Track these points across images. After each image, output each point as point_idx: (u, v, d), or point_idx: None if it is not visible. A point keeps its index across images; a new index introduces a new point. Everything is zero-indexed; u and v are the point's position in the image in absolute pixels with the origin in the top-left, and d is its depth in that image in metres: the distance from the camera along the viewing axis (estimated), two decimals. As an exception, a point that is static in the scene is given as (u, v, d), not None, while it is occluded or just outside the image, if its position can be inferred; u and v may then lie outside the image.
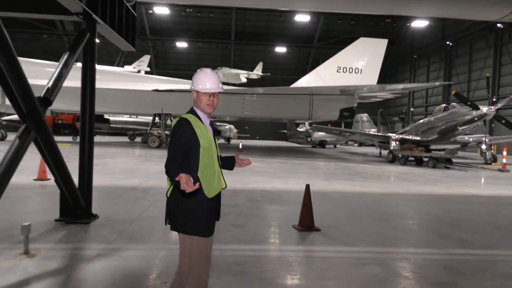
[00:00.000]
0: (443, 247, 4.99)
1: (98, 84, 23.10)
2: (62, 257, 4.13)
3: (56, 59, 33.90)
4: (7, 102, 23.58)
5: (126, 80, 26.17)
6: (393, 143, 20.15)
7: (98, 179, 10.03)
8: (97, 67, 24.89)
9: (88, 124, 5.96)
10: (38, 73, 24.78)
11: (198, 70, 2.80)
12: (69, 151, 20.02)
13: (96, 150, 21.02)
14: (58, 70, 5.10)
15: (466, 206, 8.49)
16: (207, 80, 2.69)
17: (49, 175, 9.81)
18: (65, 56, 5.25)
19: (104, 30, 6.06)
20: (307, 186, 5.84)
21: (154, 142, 26.19)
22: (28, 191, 8.23)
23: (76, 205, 5.62)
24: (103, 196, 7.80)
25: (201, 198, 2.59)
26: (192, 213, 2.58)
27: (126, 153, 20.79)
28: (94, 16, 5.38)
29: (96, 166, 13.25)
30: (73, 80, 25.78)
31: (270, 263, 4.14)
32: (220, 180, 2.74)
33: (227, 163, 2.95)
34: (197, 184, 2.34)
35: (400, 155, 19.23)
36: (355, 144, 44.22)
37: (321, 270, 3.99)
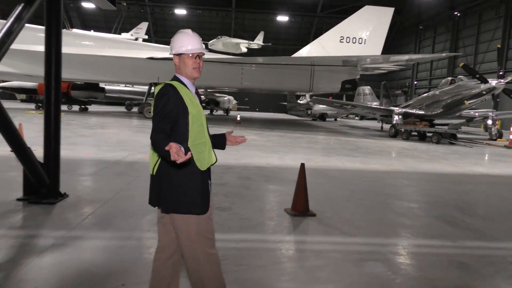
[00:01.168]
0: (456, 238, 4.37)
1: (90, 51, 22.04)
2: (9, 247, 3.51)
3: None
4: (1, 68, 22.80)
5: (120, 47, 25.15)
6: (396, 117, 19.40)
7: (82, 152, 9.42)
8: (88, 33, 23.82)
9: (54, 91, 5.23)
10: (33, 38, 23.89)
11: (176, 33, 2.52)
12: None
13: (89, 120, 20.46)
14: (8, 25, 4.32)
15: (476, 187, 7.87)
16: (190, 41, 2.44)
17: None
18: (19, 8, 4.46)
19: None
20: (302, 166, 5.17)
21: (150, 112, 25.37)
22: (1, 164, 7.59)
23: (38, 182, 4.98)
24: (81, 172, 7.17)
25: (193, 171, 2.35)
26: (186, 187, 2.34)
27: (119, 123, 20.11)
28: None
29: (84, 138, 12.68)
30: (68, 47, 24.83)
31: (254, 259, 3.52)
32: (210, 152, 2.48)
33: (217, 142, 2.71)
34: (189, 153, 2.07)
35: (402, 130, 18.53)
36: (356, 118, 43.41)
37: (314, 269, 3.37)
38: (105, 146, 10.71)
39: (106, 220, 4.40)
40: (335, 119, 38.41)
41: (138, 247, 3.67)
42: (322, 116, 36.28)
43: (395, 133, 19.10)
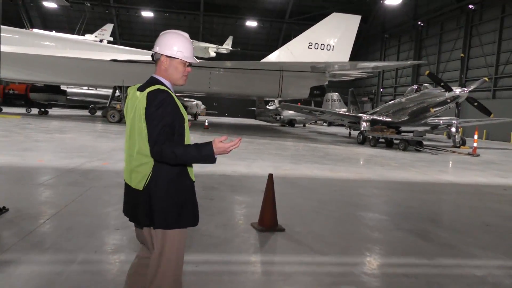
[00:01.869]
0: (432, 256, 4.11)
1: (50, 52, 21.01)
2: None
3: (10, 23, 31.23)
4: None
5: (82, 49, 24.13)
6: (364, 124, 19.49)
7: (33, 159, 8.70)
8: (49, 33, 22.77)
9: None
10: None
11: (171, 31, 2.30)
12: (16, 124, 18.23)
13: (47, 124, 19.40)
14: None
15: (446, 196, 7.77)
16: (188, 47, 2.26)
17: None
18: None
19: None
20: (270, 177, 4.80)
21: (113, 116, 24.49)
22: None
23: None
24: (28, 181, 6.51)
25: (189, 182, 2.24)
26: (184, 200, 2.23)
27: (80, 127, 19.15)
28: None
29: (39, 143, 11.84)
30: (26, 47, 23.61)
31: (215, 285, 3.11)
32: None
33: None
34: (239, 138, 2.18)
35: (370, 137, 18.60)
36: (324, 124, 43.76)
37: (282, 296, 3.00)
38: (61, 153, 9.99)
39: (47, 240, 3.86)
40: (304, 125, 38.50)
41: (83, 272, 3.18)
42: (291, 122, 36.28)
43: (363, 140, 19.16)
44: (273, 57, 26.45)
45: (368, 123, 19.47)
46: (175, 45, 2.22)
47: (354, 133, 22.96)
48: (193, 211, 2.27)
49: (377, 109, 22.36)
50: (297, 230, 4.71)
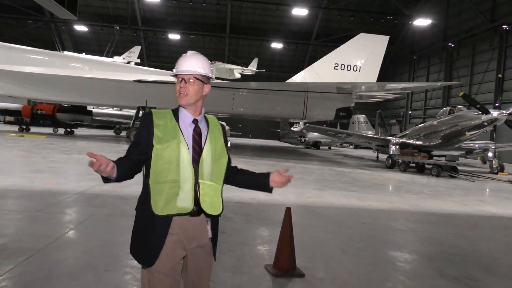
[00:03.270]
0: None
1: (76, 73, 21.14)
2: None
3: (43, 46, 32.09)
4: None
5: (106, 70, 24.31)
6: (393, 147, 18.49)
7: (42, 181, 8.28)
8: (77, 55, 23.02)
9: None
10: (17, 59, 23.09)
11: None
12: (38, 145, 18.19)
13: (69, 144, 19.29)
14: None
15: (493, 232, 6.80)
16: (183, 62, 2.19)
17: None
18: None
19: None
20: (288, 211, 4.09)
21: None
22: None
23: None
24: (25, 207, 6.01)
25: (147, 212, 2.06)
26: (136, 231, 2.13)
27: (101, 148, 18.98)
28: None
29: (54, 164, 11.49)
30: (55, 68, 23.99)
31: None
32: (184, 197, 2.06)
33: (256, 182, 2.36)
34: (109, 165, 2.04)
35: (400, 161, 17.57)
36: (351, 146, 42.62)
37: None
38: (73, 175, 9.58)
39: (26, 281, 3.26)
40: (329, 148, 37.56)
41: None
42: (316, 144, 35.41)
43: (392, 164, 18.14)
44: (298, 78, 25.93)
45: (397, 147, 18.47)
46: (177, 64, 2.20)
47: (382, 156, 21.91)
48: (142, 246, 2.08)
49: (407, 132, 21.31)
50: (319, 276, 3.95)
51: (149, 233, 2.06)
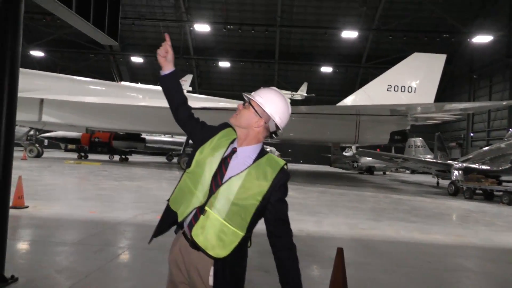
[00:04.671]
0: None
1: (131, 102, 21.91)
2: None
3: (103, 77, 33.91)
4: (44, 118, 23.19)
5: (158, 98, 24.99)
6: (456, 173, 17.04)
7: (87, 209, 8.19)
8: (133, 84, 23.86)
9: (4, 139, 3.96)
10: (78, 90, 24.43)
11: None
12: (92, 171, 18.72)
13: (121, 170, 19.69)
14: None
15: None
16: (258, 92, 2.16)
17: (29, 201, 8.11)
18: None
19: (50, 4, 4.14)
20: (339, 253, 3.48)
21: (186, 163, 24.62)
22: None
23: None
24: (62, 238, 5.80)
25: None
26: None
27: (152, 174, 19.18)
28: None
29: (103, 191, 11.53)
30: (110, 97, 25.08)
31: None
32: (187, 210, 1.99)
33: (281, 278, 2.02)
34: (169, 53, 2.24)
35: (464, 187, 16.10)
36: (407, 171, 40.47)
37: None
38: (118, 203, 9.47)
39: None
40: (384, 173, 35.85)
41: None
42: (370, 170, 33.93)
43: (455, 191, 16.67)
44: (348, 101, 25.14)
45: (461, 172, 17.00)
46: None
47: (443, 182, 20.34)
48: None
49: (470, 156, 19.70)
50: (379, 333, 3.26)
51: (162, 216, 2.15)
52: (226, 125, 2.17)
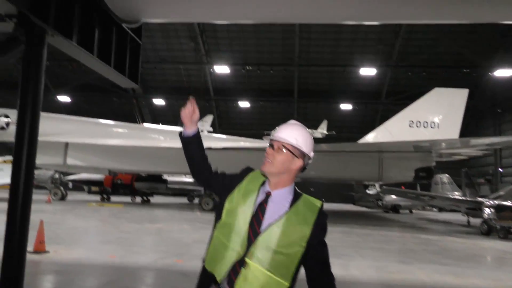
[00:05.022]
0: None
1: (153, 143, 22.34)
2: None
3: (125, 119, 34.74)
4: (68, 161, 23.67)
5: (177, 138, 25.29)
6: (488, 211, 16.27)
7: (106, 253, 8.05)
8: (154, 126, 24.47)
9: (24, 182, 3.88)
10: (102, 132, 25.04)
11: None
12: (114, 214, 18.72)
13: (143, 213, 19.64)
14: None
15: None
16: (279, 129, 2.12)
17: (50, 246, 8.03)
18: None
19: (72, 50, 4.19)
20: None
21: (207, 204, 24.48)
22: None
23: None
24: (81, 285, 5.64)
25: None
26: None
27: (173, 216, 19.06)
28: (37, 21, 3.53)
29: (124, 234, 11.42)
30: (131, 139, 25.53)
31: None
32: (225, 268, 1.83)
33: None
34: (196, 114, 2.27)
35: (498, 226, 15.31)
36: (434, 209, 39.09)
37: None
38: (138, 246, 9.31)
39: None
40: (410, 211, 34.71)
41: None
42: (395, 208, 32.92)
43: (488, 230, 15.86)
44: (370, 138, 24.86)
45: (493, 210, 16.22)
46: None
47: (474, 221, 19.45)
48: None
49: (501, 193, 18.89)
50: None
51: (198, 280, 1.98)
52: (249, 170, 2.11)
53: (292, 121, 2.20)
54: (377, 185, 32.75)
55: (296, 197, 1.98)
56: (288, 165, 1.98)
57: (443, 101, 23.63)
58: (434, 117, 23.75)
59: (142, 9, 5.01)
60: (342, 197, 46.74)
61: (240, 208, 1.92)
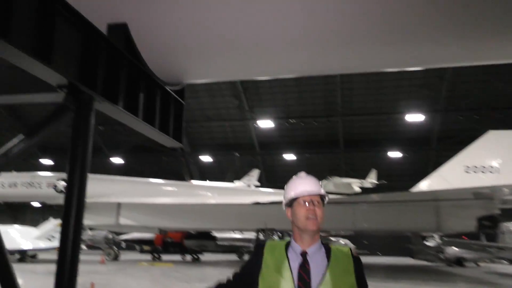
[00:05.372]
0: None
1: (201, 200, 22.71)
2: None
3: (174, 177, 35.67)
4: (121, 221, 24.29)
5: (227, 194, 25.46)
6: None
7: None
8: (201, 183, 24.94)
9: (72, 242, 3.84)
10: (152, 191, 25.75)
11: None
12: (164, 273, 18.62)
13: (194, 272, 19.48)
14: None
15: None
16: (301, 183, 2.11)
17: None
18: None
19: (118, 114, 4.34)
20: None
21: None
22: None
23: None
24: None
25: None
26: None
27: (223, 274, 18.52)
28: (86, 89, 3.70)
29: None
30: (180, 197, 25.97)
31: None
32: None
33: None
34: None
35: None
36: (505, 262, 35.66)
37: None
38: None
39: None
40: (477, 264, 31.87)
41: None
42: (459, 261, 30.37)
43: None
44: (423, 186, 23.71)
45: None
46: (287, 190, 2.14)
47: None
48: None
49: None
50: None
51: None
52: (261, 245, 2.12)
53: (303, 173, 2.20)
54: (436, 237, 30.67)
55: (326, 248, 1.99)
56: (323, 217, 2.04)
57: (500, 144, 22.40)
58: (492, 161, 22.44)
59: (184, 72, 5.17)
60: (398, 250, 44.09)
61: (279, 280, 1.89)
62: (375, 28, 3.83)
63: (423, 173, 40.30)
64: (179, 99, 5.47)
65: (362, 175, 42.90)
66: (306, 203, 2.01)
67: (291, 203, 2.07)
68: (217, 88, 41.06)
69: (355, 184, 40.45)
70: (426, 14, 3.47)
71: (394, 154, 45.61)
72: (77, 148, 3.95)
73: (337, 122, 43.64)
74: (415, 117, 38.19)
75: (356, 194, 37.70)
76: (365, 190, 40.18)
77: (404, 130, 43.78)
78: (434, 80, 36.79)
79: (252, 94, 42.06)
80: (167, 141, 5.58)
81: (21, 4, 2.77)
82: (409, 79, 37.09)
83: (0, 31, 2.62)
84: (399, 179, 47.32)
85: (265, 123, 42.35)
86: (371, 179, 42.12)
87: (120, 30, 4.16)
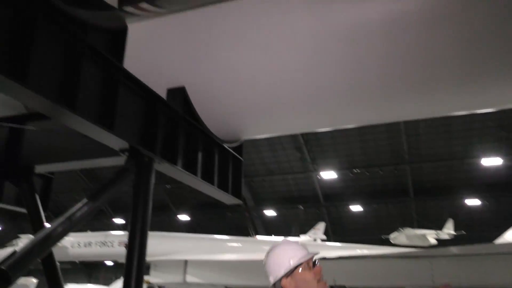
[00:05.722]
0: None
1: (261, 256, 22.18)
2: None
3: (239, 233, 35.66)
4: (187, 278, 24.37)
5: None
6: None
7: None
8: (263, 238, 24.69)
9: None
10: (218, 248, 25.84)
11: (268, 252, 2.27)
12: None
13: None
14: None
15: None
16: (294, 248, 2.19)
17: None
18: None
19: (177, 174, 4.46)
20: None
21: None
22: None
23: None
24: None
25: None
26: None
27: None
28: (146, 152, 3.85)
29: None
30: (245, 253, 25.68)
31: None
32: None
33: None
34: None
35: None
36: None
37: None
38: None
39: None
40: None
41: None
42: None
43: None
44: (510, 236, 21.50)
45: None
46: (282, 262, 2.06)
47: None
48: None
49: None
50: None
51: None
52: None
53: (285, 239, 2.09)
54: (532, 294, 27.12)
55: None
56: None
57: None
58: None
59: (241, 129, 5.21)
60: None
61: None
62: (439, 72, 3.65)
63: (509, 222, 36.67)
64: (237, 155, 5.50)
65: (437, 226, 40.00)
66: (312, 265, 2.05)
67: (290, 272, 2.04)
68: (278, 142, 41.50)
69: (431, 236, 37.99)
70: (491, 54, 3.25)
71: (472, 202, 42.28)
72: (138, 207, 4.03)
73: (405, 170, 41.77)
74: (492, 161, 35.57)
75: (432, 246, 35.13)
76: (442, 242, 37.26)
77: (481, 175, 40.71)
78: (510, 121, 34.46)
79: (313, 146, 41.94)
80: (226, 198, 5.57)
81: (88, 77, 2.98)
82: (482, 121, 35.03)
83: (68, 103, 2.80)
84: (480, 229, 43.38)
85: (328, 174, 41.72)
86: (448, 230, 39.12)
87: (179, 93, 4.34)
